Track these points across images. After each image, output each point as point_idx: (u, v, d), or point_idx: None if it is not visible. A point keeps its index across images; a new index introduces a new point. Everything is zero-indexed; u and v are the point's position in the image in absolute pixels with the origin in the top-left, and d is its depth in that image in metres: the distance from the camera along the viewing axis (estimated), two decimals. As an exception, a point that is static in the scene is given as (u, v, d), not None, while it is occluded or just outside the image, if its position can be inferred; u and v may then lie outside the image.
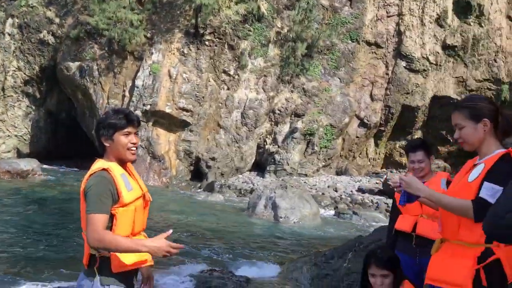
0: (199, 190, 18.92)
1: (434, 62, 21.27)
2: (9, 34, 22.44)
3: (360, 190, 17.99)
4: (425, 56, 21.14)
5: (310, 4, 20.61)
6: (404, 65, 21.13)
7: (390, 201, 15.92)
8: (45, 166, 20.13)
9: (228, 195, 17.59)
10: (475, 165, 2.61)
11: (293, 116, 20.55)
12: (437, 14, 21.32)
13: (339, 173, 20.93)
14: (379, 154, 22.32)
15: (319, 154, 20.37)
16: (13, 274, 7.20)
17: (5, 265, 7.66)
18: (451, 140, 21.54)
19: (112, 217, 2.67)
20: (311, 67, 20.80)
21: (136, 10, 20.44)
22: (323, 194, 17.59)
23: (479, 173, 2.50)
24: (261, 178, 19.65)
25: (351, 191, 18.02)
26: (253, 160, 20.69)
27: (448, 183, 3.98)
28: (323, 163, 20.55)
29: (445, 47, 21.39)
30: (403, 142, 21.95)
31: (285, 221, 13.00)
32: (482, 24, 21.38)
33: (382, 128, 21.66)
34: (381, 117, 21.36)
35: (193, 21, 20.11)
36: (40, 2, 22.38)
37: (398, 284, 3.17)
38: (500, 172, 2.42)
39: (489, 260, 2.43)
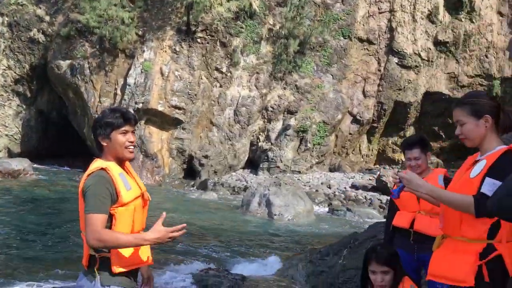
0: (192, 188, 18.85)
1: (426, 58, 21.34)
2: (-1, 33, 22.26)
3: (354, 186, 18.03)
4: (417, 52, 21.21)
5: (302, 1, 20.61)
6: (396, 61, 21.20)
7: (383, 198, 15.98)
8: (36, 165, 20.00)
9: (222, 193, 17.56)
10: (476, 162, 2.61)
11: (286, 113, 20.54)
12: (429, 10, 21.40)
13: (332, 169, 20.97)
14: (372, 150, 22.38)
15: (312, 151, 20.39)
16: (7, 275, 7.12)
17: (-2, 266, 7.59)
18: (443, 136, 21.65)
19: (111, 217, 2.64)
20: (304, 64, 20.80)
21: (127, 7, 20.33)
22: (316, 191, 17.60)
23: (481, 169, 2.51)
24: (255, 176, 19.63)
25: (345, 187, 18.06)
26: (246, 158, 20.66)
27: (445, 179, 3.99)
28: (317, 160, 20.57)
29: (437, 43, 21.47)
30: (396, 138, 22.03)
31: (279, 218, 13.02)
32: (473, 20, 21.47)
33: (375, 125, 21.72)
34: (373, 114, 21.42)
35: (185, 18, 20.02)
36: (30, 0, 22.21)
37: (399, 280, 3.17)
38: (502, 168, 2.42)
39: (491, 256, 2.43)
